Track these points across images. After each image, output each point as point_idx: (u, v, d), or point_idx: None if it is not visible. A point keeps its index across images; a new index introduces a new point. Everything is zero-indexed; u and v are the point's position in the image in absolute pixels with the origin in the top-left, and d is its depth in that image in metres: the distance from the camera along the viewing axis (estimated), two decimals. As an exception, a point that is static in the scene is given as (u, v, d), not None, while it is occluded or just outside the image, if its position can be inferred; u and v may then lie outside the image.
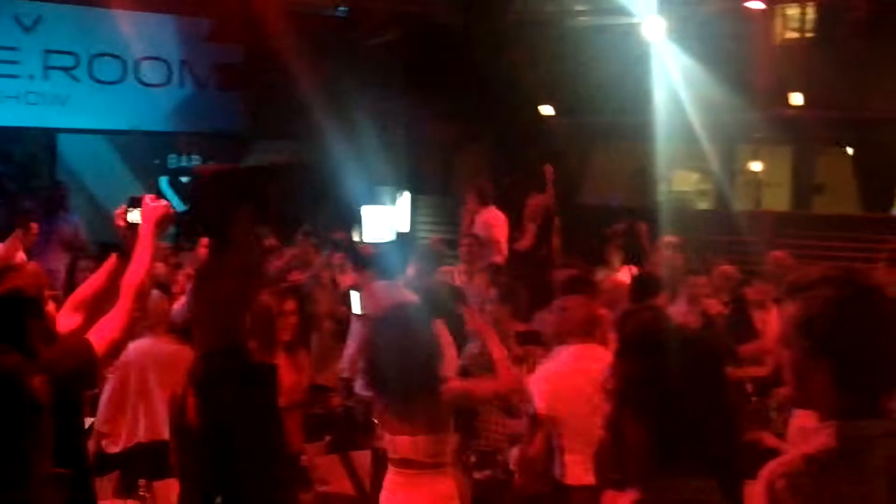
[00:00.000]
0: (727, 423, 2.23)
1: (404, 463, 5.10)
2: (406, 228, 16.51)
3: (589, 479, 5.12)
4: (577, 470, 5.27)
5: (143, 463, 6.12)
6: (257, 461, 3.35)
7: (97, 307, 4.01)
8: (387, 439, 5.20)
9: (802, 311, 2.44)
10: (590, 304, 5.79)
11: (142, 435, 6.59)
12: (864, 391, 2.37)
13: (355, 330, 8.56)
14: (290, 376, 6.49)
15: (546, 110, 19.66)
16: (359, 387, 7.73)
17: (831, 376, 2.37)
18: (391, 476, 5.18)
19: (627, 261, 10.91)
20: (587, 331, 5.50)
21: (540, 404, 5.23)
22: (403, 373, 5.04)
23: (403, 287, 8.62)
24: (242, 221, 3.74)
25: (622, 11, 17.60)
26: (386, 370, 5.12)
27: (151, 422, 6.58)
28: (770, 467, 2.39)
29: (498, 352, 5.31)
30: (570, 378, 5.32)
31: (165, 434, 5.75)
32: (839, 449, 2.33)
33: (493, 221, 11.59)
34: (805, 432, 2.45)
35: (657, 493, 2.20)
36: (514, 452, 5.91)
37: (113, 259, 4.24)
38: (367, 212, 14.97)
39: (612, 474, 2.29)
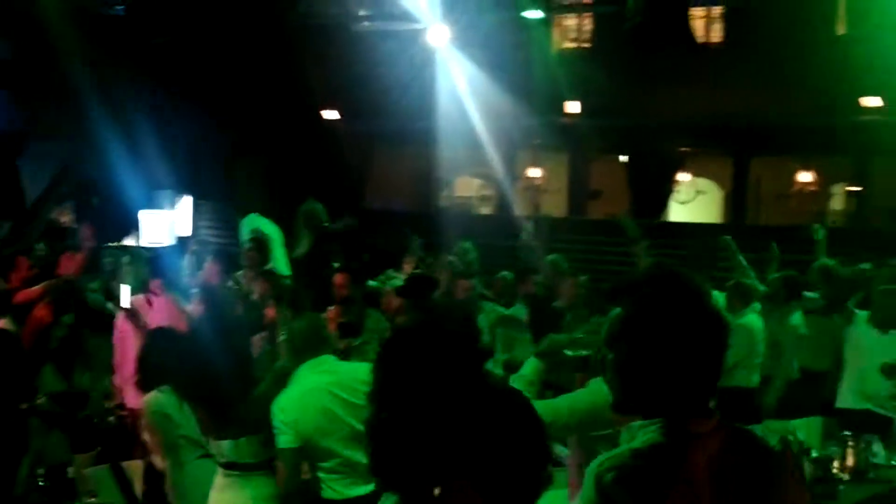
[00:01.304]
0: (483, 426, 2.22)
1: (229, 465, 5.19)
2: (187, 232, 16.16)
3: (352, 491, 5.11)
4: (337, 485, 5.21)
5: None
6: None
7: None
8: (211, 443, 5.25)
9: (624, 314, 2.50)
10: (316, 317, 5.69)
11: None
12: (687, 391, 2.43)
13: (121, 328, 8.29)
14: (58, 387, 6.30)
15: (330, 115, 19.62)
16: (130, 398, 7.53)
17: (654, 377, 2.43)
18: (218, 478, 5.24)
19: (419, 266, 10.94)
20: (317, 344, 5.37)
21: (284, 438, 5.07)
22: (221, 380, 5.12)
23: (192, 291, 8.46)
24: None
25: (407, 17, 17.73)
26: (203, 379, 5.17)
27: None
28: (598, 461, 2.43)
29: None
30: (308, 400, 5.15)
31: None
32: (665, 444, 2.39)
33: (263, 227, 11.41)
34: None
35: (414, 499, 2.18)
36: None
37: None
38: (146, 216, 14.62)
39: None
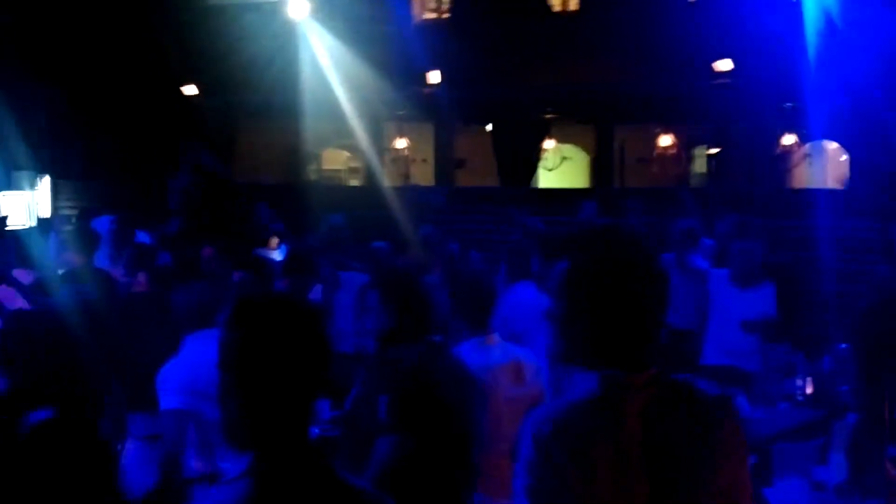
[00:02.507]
0: (311, 393, 2.29)
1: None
2: (47, 213, 15.79)
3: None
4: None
5: None
6: None
7: None
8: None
9: (565, 267, 2.57)
10: (204, 290, 5.65)
11: None
12: (623, 344, 2.51)
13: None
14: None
15: (189, 90, 19.31)
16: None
17: (595, 330, 2.51)
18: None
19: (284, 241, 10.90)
20: (204, 318, 5.32)
21: (171, 398, 4.99)
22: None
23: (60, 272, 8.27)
24: None
25: (265, -10, 17.58)
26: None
27: None
28: (534, 414, 2.51)
29: None
30: (198, 373, 5.09)
31: None
32: (601, 396, 2.46)
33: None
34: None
35: (259, 462, 2.23)
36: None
37: None
38: (5, 198, 14.28)
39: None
